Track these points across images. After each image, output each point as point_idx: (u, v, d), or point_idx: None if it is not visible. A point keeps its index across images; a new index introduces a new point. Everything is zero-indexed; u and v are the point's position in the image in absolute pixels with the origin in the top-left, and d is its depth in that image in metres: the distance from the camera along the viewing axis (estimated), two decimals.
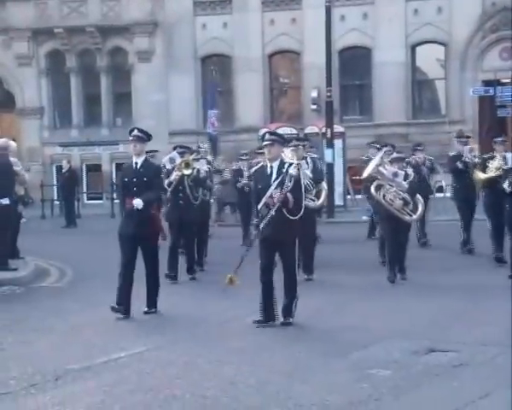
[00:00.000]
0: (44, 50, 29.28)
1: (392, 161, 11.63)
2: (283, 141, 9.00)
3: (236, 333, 8.70)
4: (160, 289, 9.70)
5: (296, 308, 8.82)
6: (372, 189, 11.54)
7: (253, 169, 9.25)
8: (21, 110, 29.28)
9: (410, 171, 11.80)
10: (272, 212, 8.62)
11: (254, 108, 27.71)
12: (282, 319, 8.80)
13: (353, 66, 27.83)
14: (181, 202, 12.07)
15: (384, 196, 11.37)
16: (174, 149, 12.78)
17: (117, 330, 8.94)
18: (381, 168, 11.48)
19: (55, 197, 26.95)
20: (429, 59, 27.69)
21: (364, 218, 19.84)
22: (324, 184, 12.02)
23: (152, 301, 9.62)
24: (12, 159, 13.10)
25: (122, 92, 29.47)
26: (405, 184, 11.39)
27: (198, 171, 12.43)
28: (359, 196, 20.09)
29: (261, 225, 8.71)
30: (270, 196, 8.61)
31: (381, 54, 27.10)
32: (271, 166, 8.78)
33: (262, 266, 8.83)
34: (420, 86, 28.28)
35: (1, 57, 29.12)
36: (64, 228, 21.65)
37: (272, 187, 8.63)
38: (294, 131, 24.74)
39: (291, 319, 8.78)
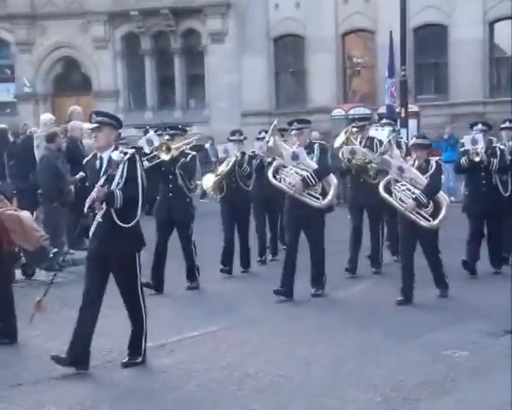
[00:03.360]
0: (120, 33, 29.66)
1: (412, 149, 9.40)
2: (117, 123, 6.86)
3: (309, 314, 8.70)
4: (16, 317, 7.83)
5: (146, 345, 6.92)
6: (380, 186, 9.19)
7: (85, 160, 7.07)
8: (98, 93, 29.75)
9: (433, 162, 9.17)
10: (99, 218, 6.65)
11: (327, 88, 27.51)
12: (126, 359, 6.87)
13: (429, 44, 27.29)
14: (170, 194, 9.99)
15: (395, 194, 9.05)
16: (164, 129, 10.72)
17: (190, 310, 9.05)
18: (386, 157, 9.30)
19: None
20: (508, 35, 26.92)
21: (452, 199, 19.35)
22: (333, 178, 9.57)
23: (6, 333, 7.76)
24: (89, 141, 13.33)
25: (195, 74, 29.65)
26: (423, 180, 8.99)
27: (193, 157, 10.11)
28: None
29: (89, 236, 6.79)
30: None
31: (457, 31, 26.51)
32: (101, 158, 6.74)
33: (84, 291, 6.80)
34: (498, 64, 27.54)
35: (78, 41, 29.61)
36: None
37: (99, 184, 6.60)
38: (368, 112, 24.52)
39: (139, 359, 6.82)
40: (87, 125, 14.48)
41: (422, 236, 9.03)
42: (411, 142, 9.65)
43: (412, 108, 23.66)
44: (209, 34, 28.80)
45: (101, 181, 6.57)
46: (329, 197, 9.33)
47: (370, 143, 10.78)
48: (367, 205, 10.60)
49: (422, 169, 9.06)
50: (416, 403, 5.75)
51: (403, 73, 22.60)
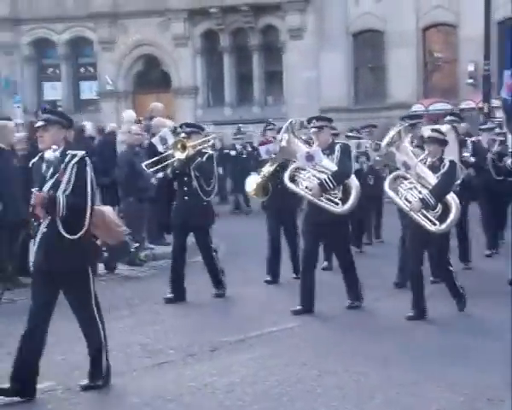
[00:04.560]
0: (199, 30, 29.94)
1: (425, 143, 8.49)
2: (66, 122, 6.12)
3: (387, 313, 8.60)
4: None
5: (108, 365, 6.13)
6: (386, 183, 8.41)
7: (32, 162, 6.21)
8: (177, 90, 30.11)
9: (446, 160, 8.25)
10: (43, 227, 5.88)
11: (406, 83, 27.17)
12: (86, 382, 6.10)
13: None
14: (186, 197, 9.28)
15: (400, 192, 8.25)
16: (180, 127, 10.17)
17: (268, 305, 9.07)
18: (392, 150, 8.35)
19: None
20: None
21: None
22: (354, 181, 8.66)
23: None
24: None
25: (273, 70, 29.70)
26: (433, 179, 8.11)
27: (210, 157, 9.37)
28: None
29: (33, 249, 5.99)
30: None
31: None
32: (48, 161, 6.02)
33: (30, 313, 5.92)
34: None
35: (158, 39, 30.02)
36: (219, 204, 22.02)
37: (45, 190, 5.87)
38: (448, 107, 24.14)
39: (100, 382, 6.05)
40: (170, 122, 14.73)
41: (430, 243, 8.22)
42: (425, 135, 8.71)
43: (495, 103, 23.17)
44: (288, 30, 28.80)
45: (48, 186, 5.87)
46: (350, 202, 8.47)
47: (423, 143, 9.38)
48: None
49: (435, 167, 8.20)
50: (501, 404, 5.63)
51: (486, 67, 22.17)
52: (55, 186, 5.84)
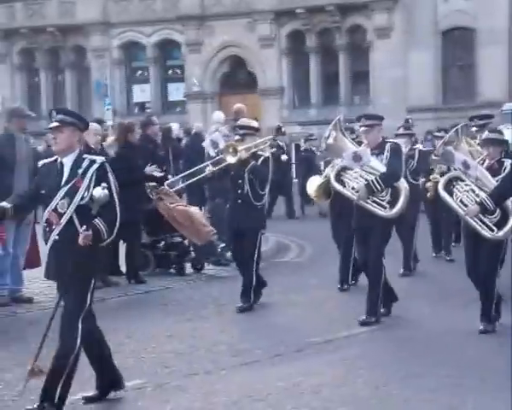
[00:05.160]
0: (285, 31, 29.97)
1: (482, 145, 7.92)
2: (80, 123, 5.67)
3: (476, 316, 8.40)
4: None
5: (66, 394, 5.47)
6: (440, 184, 7.82)
7: (41, 163, 5.85)
8: (263, 91, 30.22)
9: (508, 163, 7.57)
10: (55, 235, 5.49)
11: (497, 81, 26.54)
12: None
13: None
14: (239, 200, 8.95)
15: (455, 194, 7.64)
16: (234, 128, 9.80)
17: (356, 306, 8.97)
18: (450, 149, 7.87)
19: (294, 176, 27.48)
20: None
21: None
22: (403, 183, 8.16)
23: None
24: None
25: (360, 70, 29.46)
26: (491, 182, 7.50)
27: (265, 160, 8.91)
28: None
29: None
30: (55, 210, 5.46)
31: None
32: (62, 163, 5.59)
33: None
34: None
35: (245, 40, 30.20)
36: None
37: (59, 195, 5.47)
38: None
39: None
40: (256, 123, 14.78)
41: (481, 251, 7.56)
42: (483, 136, 8.09)
43: None
44: (375, 29, 28.55)
45: (62, 193, 5.46)
46: (399, 206, 7.98)
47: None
48: None
49: (494, 170, 7.58)
50: None
51: None
52: (71, 193, 5.46)
